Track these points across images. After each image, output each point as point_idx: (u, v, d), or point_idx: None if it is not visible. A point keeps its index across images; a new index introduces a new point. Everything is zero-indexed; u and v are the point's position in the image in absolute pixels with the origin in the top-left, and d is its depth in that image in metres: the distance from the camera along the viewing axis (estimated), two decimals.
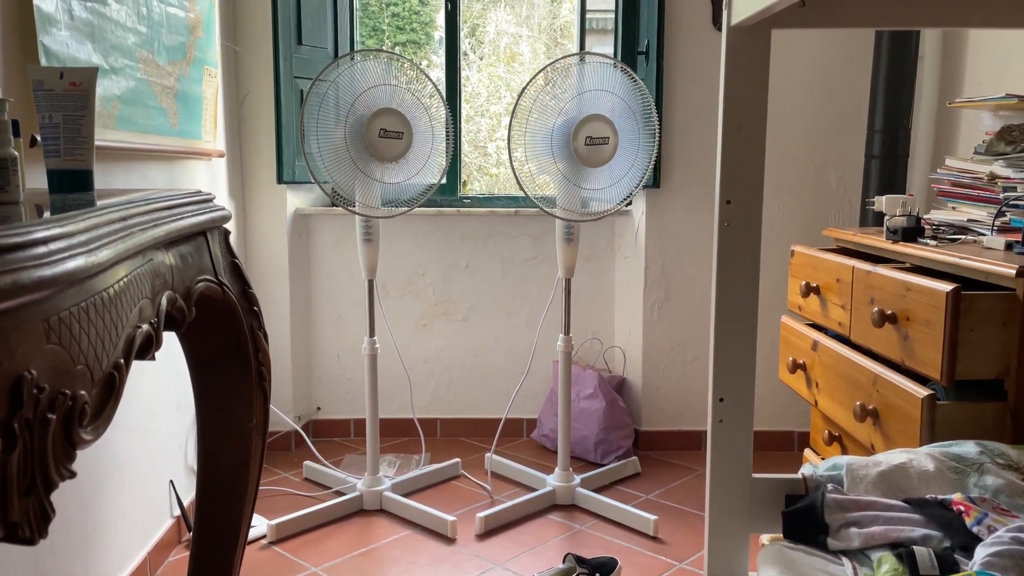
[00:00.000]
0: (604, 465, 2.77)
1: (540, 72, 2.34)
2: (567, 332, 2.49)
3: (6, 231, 0.57)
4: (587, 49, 3.16)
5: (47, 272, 0.58)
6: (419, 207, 3.01)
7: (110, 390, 0.70)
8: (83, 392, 0.64)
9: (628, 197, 2.40)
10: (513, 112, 2.33)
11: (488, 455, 2.77)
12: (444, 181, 2.42)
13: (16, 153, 0.85)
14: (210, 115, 2.44)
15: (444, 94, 3.08)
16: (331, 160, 2.29)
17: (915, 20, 1.38)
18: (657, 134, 2.36)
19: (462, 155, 3.17)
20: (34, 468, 0.58)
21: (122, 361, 0.73)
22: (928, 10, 1.33)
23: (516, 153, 2.36)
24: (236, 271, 1.15)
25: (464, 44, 3.25)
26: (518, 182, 2.35)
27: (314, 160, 2.28)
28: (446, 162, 2.40)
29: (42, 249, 0.59)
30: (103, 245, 0.70)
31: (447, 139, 2.39)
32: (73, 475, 0.63)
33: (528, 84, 2.33)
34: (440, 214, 3.01)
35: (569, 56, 2.37)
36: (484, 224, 3.04)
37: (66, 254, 0.62)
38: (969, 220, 1.88)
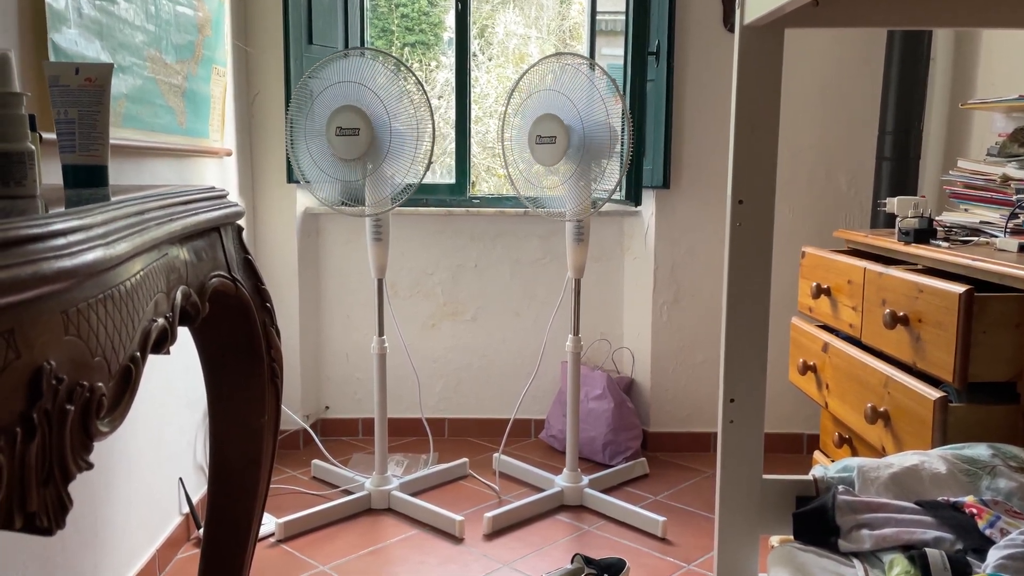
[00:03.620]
0: (612, 466, 2.77)
1: (523, 76, 2.38)
2: (576, 333, 2.49)
3: (26, 222, 0.57)
4: (597, 51, 3.16)
5: (67, 263, 0.58)
6: (428, 207, 3.03)
7: (126, 383, 0.71)
8: (100, 384, 0.64)
9: (594, 203, 2.40)
10: (505, 110, 2.38)
11: (496, 455, 2.77)
12: (420, 181, 2.29)
13: (33, 147, 0.86)
14: (218, 114, 2.44)
15: (454, 93, 3.09)
16: (304, 158, 2.32)
17: (929, 20, 1.38)
18: (612, 134, 2.32)
19: (471, 156, 3.17)
20: (52, 459, 0.58)
21: (138, 354, 0.73)
22: (942, 10, 1.32)
23: (505, 147, 2.42)
24: (249, 267, 1.15)
25: (473, 45, 3.26)
26: (504, 162, 2.39)
27: (296, 159, 2.30)
28: (425, 158, 2.29)
29: (61, 241, 0.60)
30: (120, 238, 0.70)
31: (417, 135, 2.26)
32: (90, 466, 0.63)
33: (513, 88, 2.37)
34: (449, 214, 3.01)
35: (547, 58, 2.39)
36: (493, 224, 3.04)
37: (84, 246, 0.62)
38: (982, 222, 1.87)
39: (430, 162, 2.31)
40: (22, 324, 0.55)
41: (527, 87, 2.38)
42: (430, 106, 2.29)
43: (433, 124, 2.29)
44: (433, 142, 2.30)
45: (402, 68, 2.30)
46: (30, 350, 0.56)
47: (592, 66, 2.35)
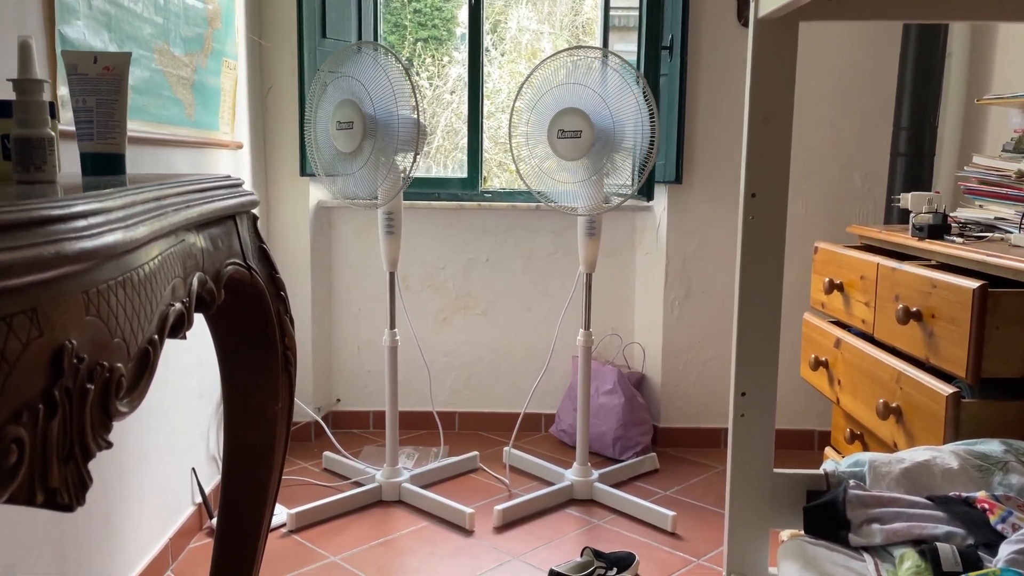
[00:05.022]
0: (622, 461, 2.77)
1: (535, 70, 2.37)
2: (587, 327, 2.49)
3: (48, 203, 0.58)
4: (610, 46, 3.15)
5: (88, 244, 0.59)
6: (440, 201, 3.03)
7: (144, 365, 0.72)
8: (120, 365, 0.65)
9: (613, 198, 2.39)
10: (514, 102, 2.37)
11: (506, 449, 2.78)
12: (410, 173, 2.28)
13: (53, 133, 0.87)
14: (228, 106, 2.46)
15: (467, 88, 3.09)
16: (316, 152, 2.35)
17: (945, 13, 1.37)
18: (644, 130, 2.31)
19: (483, 151, 3.17)
20: (73, 436, 0.59)
21: (156, 337, 0.74)
22: (958, 3, 1.32)
23: (514, 141, 2.39)
24: (264, 256, 1.16)
25: (486, 40, 3.26)
26: (513, 159, 2.38)
27: (310, 150, 2.33)
28: (411, 149, 2.26)
29: (82, 223, 0.60)
30: (139, 222, 0.71)
31: (399, 124, 2.23)
32: (110, 445, 0.64)
33: (523, 82, 2.36)
34: (461, 208, 3.02)
35: (560, 52, 2.38)
36: (505, 219, 3.05)
37: (104, 228, 0.63)
38: (996, 218, 1.86)
39: (417, 153, 2.29)
40: (44, 303, 0.56)
41: (547, 81, 2.35)
42: (416, 95, 2.25)
43: (419, 113, 2.26)
44: (420, 132, 2.27)
45: (390, 56, 2.26)
46: (52, 329, 0.57)
47: (623, 63, 2.33)
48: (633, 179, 2.38)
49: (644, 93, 2.29)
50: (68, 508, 0.58)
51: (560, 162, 2.36)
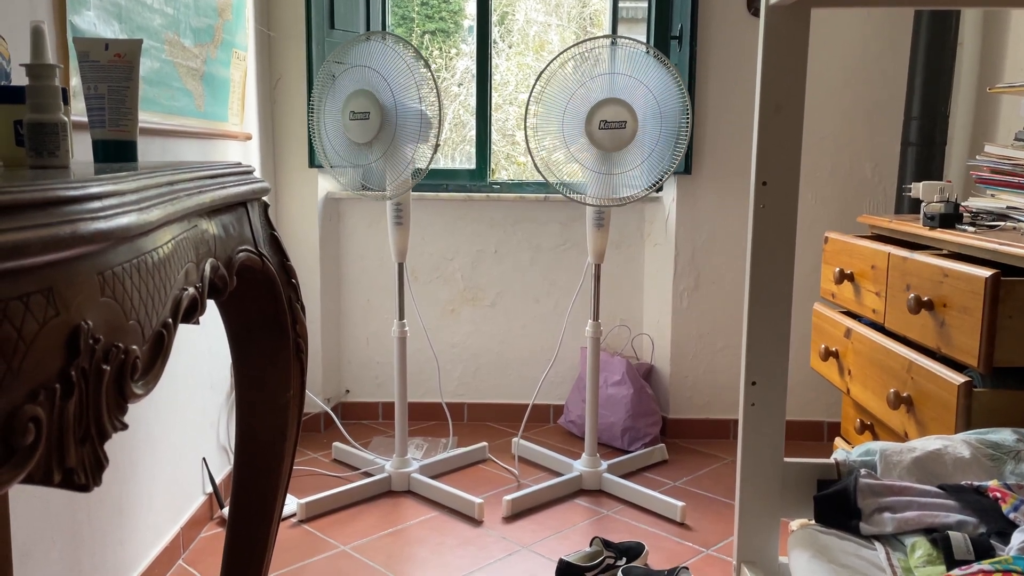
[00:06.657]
0: (631, 452, 2.77)
1: (556, 57, 2.32)
2: (596, 318, 2.49)
3: (63, 184, 0.58)
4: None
5: (102, 225, 0.59)
6: (449, 192, 3.03)
7: (159, 348, 0.72)
8: (135, 347, 0.66)
9: (654, 185, 2.35)
10: (530, 95, 2.34)
11: (515, 439, 2.78)
12: (428, 165, 2.27)
13: (65, 119, 0.87)
14: (237, 98, 2.46)
15: (475, 81, 3.09)
16: (325, 143, 2.34)
17: (957, 0, 1.36)
18: (684, 116, 2.29)
19: (491, 143, 3.17)
20: (89, 417, 0.59)
21: (170, 321, 0.74)
22: None
23: (531, 137, 2.34)
24: (275, 243, 1.16)
25: (493, 32, 3.25)
26: (529, 153, 2.34)
27: (318, 140, 2.32)
28: (432, 142, 2.26)
29: (96, 204, 0.61)
30: (152, 205, 0.71)
31: (422, 117, 2.22)
32: (125, 427, 0.64)
33: (544, 69, 2.31)
34: (469, 199, 3.02)
35: (581, 42, 2.33)
36: (513, 210, 3.04)
37: (119, 210, 0.64)
38: (1008, 207, 1.85)
39: (437, 145, 2.28)
40: (60, 284, 0.56)
41: (587, 71, 2.31)
42: (437, 87, 2.24)
43: (440, 106, 2.25)
44: (440, 124, 2.26)
45: (409, 48, 2.25)
46: (67, 309, 0.57)
47: (658, 57, 2.29)
48: (642, 170, 2.35)
49: (678, 84, 2.27)
50: (85, 488, 0.58)
51: (598, 153, 2.30)
